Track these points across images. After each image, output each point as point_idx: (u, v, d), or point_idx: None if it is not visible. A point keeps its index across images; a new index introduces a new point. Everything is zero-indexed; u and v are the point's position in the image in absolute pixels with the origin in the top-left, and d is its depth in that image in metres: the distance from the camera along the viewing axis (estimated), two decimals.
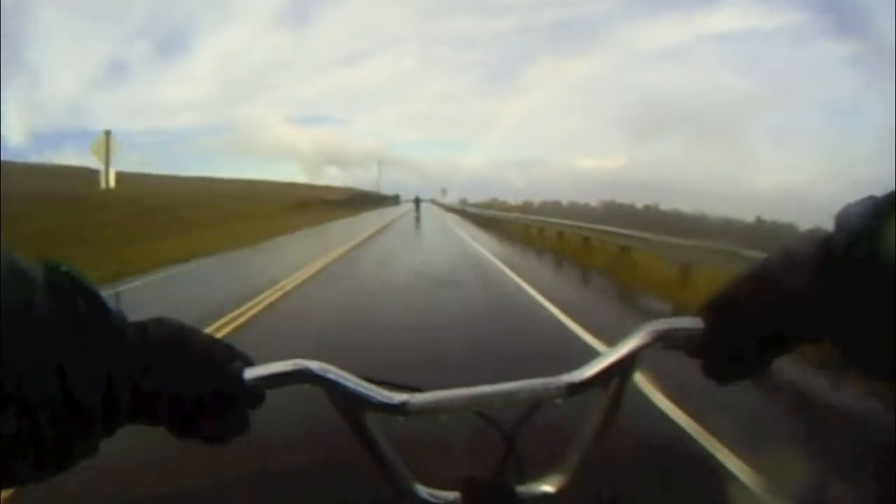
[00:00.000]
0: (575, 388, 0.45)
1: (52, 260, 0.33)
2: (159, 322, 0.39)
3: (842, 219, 0.38)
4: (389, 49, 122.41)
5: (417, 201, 40.14)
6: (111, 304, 0.35)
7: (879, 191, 0.36)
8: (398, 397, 0.44)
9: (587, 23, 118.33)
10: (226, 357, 0.40)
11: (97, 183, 10.10)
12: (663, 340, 0.45)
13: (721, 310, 0.43)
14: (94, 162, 10.27)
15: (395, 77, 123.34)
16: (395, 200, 77.72)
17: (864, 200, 0.38)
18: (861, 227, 0.36)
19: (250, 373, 0.41)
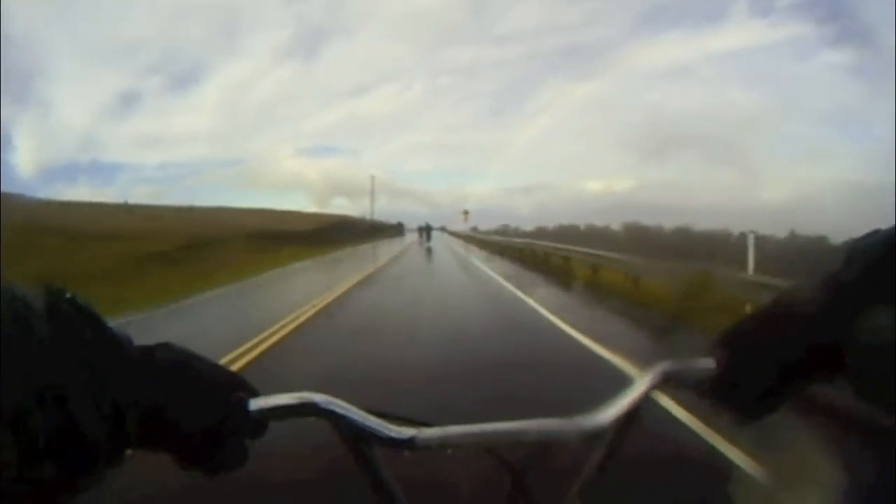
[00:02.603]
0: (589, 434, 0.44)
1: (55, 286, 0.33)
2: (165, 348, 0.38)
3: (851, 254, 0.38)
4: (396, 80, 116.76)
5: (425, 230, 31.08)
6: (116, 329, 0.35)
7: (888, 201, 0.24)
8: (406, 432, 0.43)
9: (591, 47, 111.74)
10: (231, 386, 0.40)
11: None
12: (674, 381, 0.45)
13: (732, 350, 0.42)
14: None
15: (403, 108, 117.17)
16: (397, 230, 60.09)
17: (871, 234, 0.38)
18: (871, 261, 0.37)
19: (255, 403, 0.40)
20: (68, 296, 0.33)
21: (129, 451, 0.34)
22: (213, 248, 17.19)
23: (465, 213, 41.91)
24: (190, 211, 35.75)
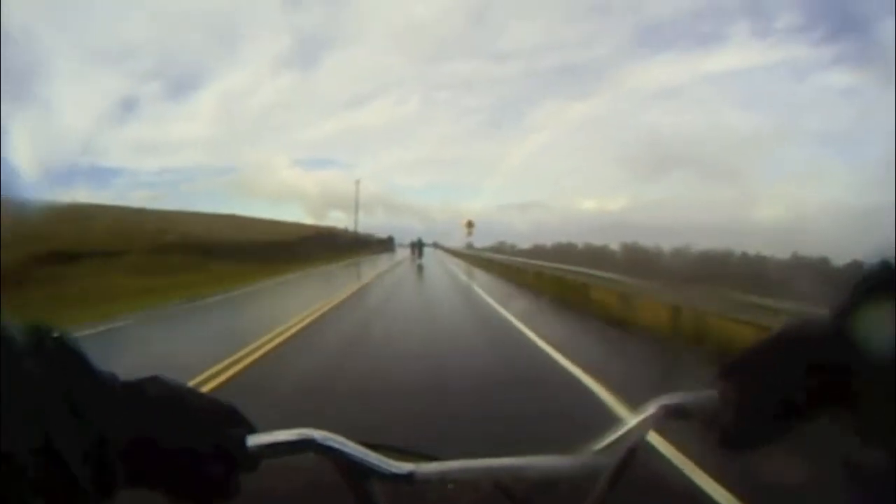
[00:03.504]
0: (593, 471, 0.44)
1: (42, 324, 0.33)
2: (155, 382, 0.38)
3: (858, 285, 0.38)
4: (393, 93, 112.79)
5: (417, 246, 29.18)
6: (102, 367, 0.35)
7: (883, 221, 0.24)
8: (405, 467, 0.43)
9: (589, 65, 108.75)
10: (228, 421, 0.39)
11: None
12: (676, 414, 0.45)
13: (735, 381, 0.42)
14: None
15: (400, 121, 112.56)
16: (386, 245, 53.15)
17: (878, 266, 0.38)
18: (879, 295, 0.37)
19: (253, 440, 0.39)
20: (55, 334, 0.33)
21: (119, 489, 0.33)
22: (77, 265, 11.83)
23: (469, 225, 30.35)
24: (139, 213, 29.82)
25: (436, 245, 57.55)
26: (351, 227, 47.56)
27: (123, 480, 0.34)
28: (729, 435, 0.42)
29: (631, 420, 0.46)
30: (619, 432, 0.45)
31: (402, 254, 35.49)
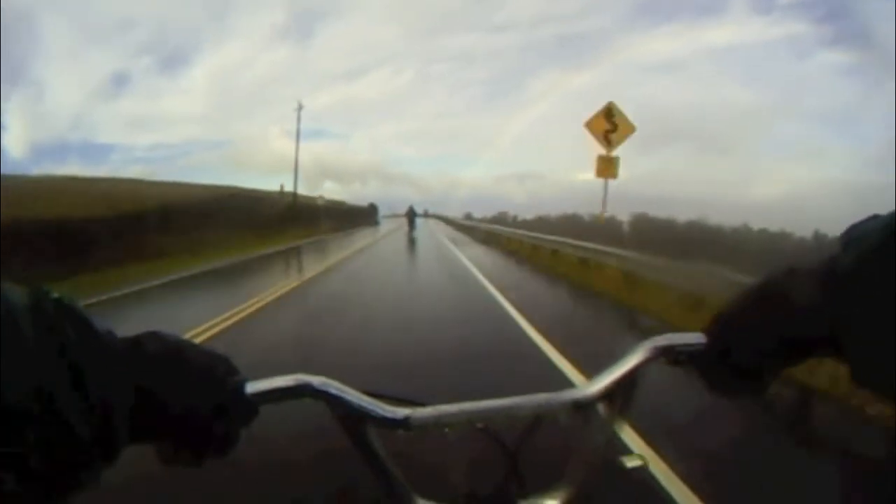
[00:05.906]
0: (579, 405, 0.45)
1: (41, 286, 0.33)
2: (154, 336, 0.38)
3: (848, 237, 0.38)
4: (389, 65, 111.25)
5: (411, 216, 26.17)
6: (102, 326, 0.35)
7: (880, 200, 0.37)
8: (401, 412, 0.43)
9: (587, 37, 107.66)
10: (225, 371, 0.40)
11: None
12: (665, 356, 0.46)
13: (724, 325, 0.43)
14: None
15: (395, 93, 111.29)
16: (367, 217, 45.14)
17: (869, 219, 0.38)
18: (869, 246, 0.36)
19: (251, 387, 0.40)
20: (54, 296, 0.33)
21: (124, 447, 0.34)
22: None
23: (608, 120, 9.14)
24: None
25: (426, 214, 52.89)
26: (303, 191, 29.91)
27: (126, 438, 0.34)
28: (714, 379, 0.43)
29: (621, 360, 0.46)
30: (610, 372, 0.46)
31: (389, 227, 30.16)
